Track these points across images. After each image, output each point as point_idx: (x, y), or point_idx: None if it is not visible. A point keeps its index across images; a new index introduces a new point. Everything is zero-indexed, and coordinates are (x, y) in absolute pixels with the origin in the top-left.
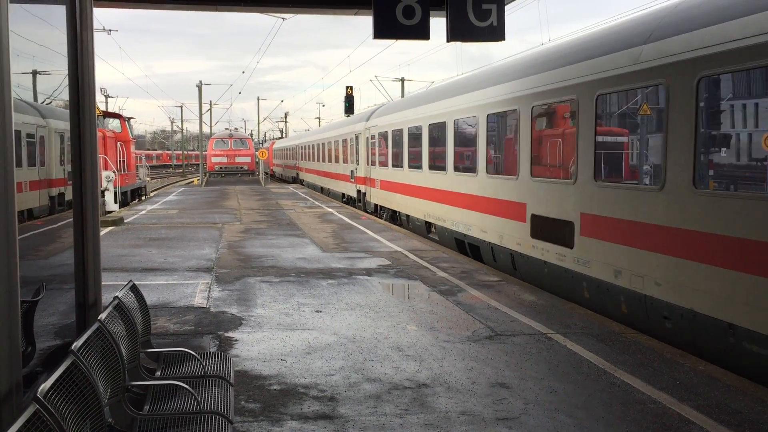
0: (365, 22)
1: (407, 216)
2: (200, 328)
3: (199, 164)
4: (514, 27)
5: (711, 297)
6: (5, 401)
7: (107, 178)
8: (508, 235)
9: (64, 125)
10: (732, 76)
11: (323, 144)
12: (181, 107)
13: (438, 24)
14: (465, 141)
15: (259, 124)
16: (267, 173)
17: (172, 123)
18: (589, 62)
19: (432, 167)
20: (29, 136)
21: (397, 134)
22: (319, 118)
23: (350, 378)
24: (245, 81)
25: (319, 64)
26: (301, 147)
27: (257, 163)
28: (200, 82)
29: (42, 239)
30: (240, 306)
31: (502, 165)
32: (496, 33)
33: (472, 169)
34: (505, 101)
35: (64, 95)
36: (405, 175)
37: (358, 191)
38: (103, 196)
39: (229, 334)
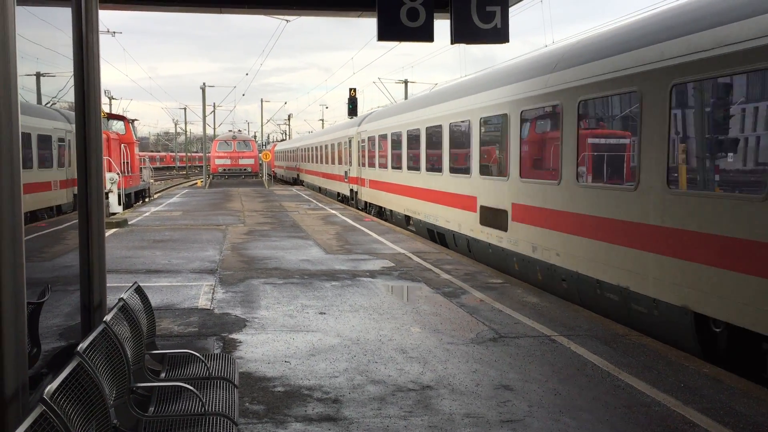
0: (369, 23)
1: (391, 211)
2: (204, 329)
3: (202, 166)
4: (518, 29)
5: (586, 261)
6: (11, 402)
7: (111, 180)
8: (465, 223)
9: None
10: (600, 100)
11: (321, 147)
12: (185, 109)
13: (442, 26)
14: (434, 145)
15: (262, 126)
16: (270, 175)
17: (175, 125)
18: (516, 84)
19: (410, 168)
20: (60, 140)
21: (383, 139)
22: (322, 120)
23: (354, 380)
24: (249, 83)
25: (323, 66)
26: (302, 149)
27: (261, 165)
28: (204, 84)
29: (47, 241)
30: (244, 308)
31: (460, 165)
32: (500, 35)
33: (439, 169)
34: (461, 113)
35: (68, 97)
36: (389, 175)
37: (351, 190)
38: (107, 197)
39: (234, 335)
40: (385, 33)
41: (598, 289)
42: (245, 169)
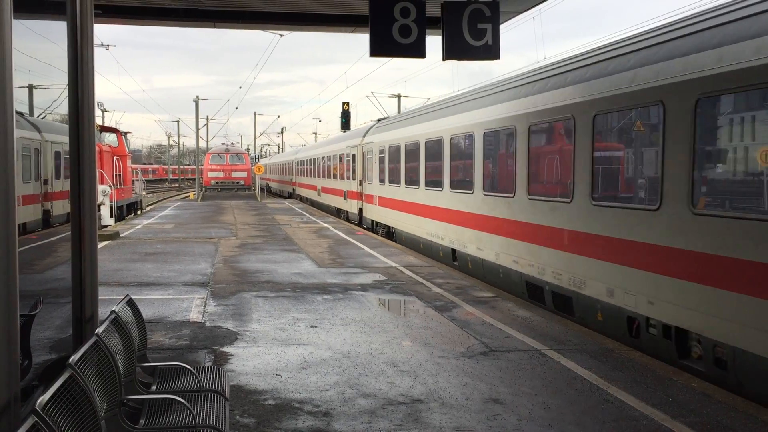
0: (363, 37)
1: (302, 196)
2: (196, 342)
3: (195, 179)
4: (514, 43)
5: (334, 202)
6: (3, 414)
7: (103, 193)
8: (313, 195)
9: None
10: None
11: (279, 164)
12: (178, 122)
13: (434, 42)
14: (317, 167)
15: (255, 139)
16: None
17: (168, 137)
18: (339, 144)
19: (310, 175)
20: None
21: (306, 161)
22: (315, 134)
23: (345, 393)
24: (242, 96)
25: (316, 80)
26: (269, 166)
27: (253, 177)
28: (197, 97)
29: (39, 253)
30: (235, 321)
31: (310, 174)
32: (491, 52)
33: (312, 175)
34: (322, 153)
35: (61, 110)
36: (305, 180)
37: (293, 189)
38: (99, 210)
39: (225, 348)
40: (378, 49)
41: (327, 209)
42: (238, 182)
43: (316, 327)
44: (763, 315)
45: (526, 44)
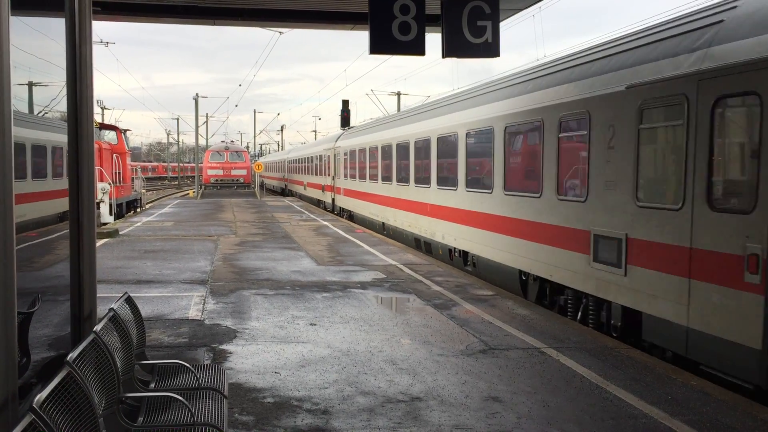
0: (362, 35)
1: (294, 191)
2: (195, 340)
3: (194, 176)
4: (515, 41)
5: (313, 192)
6: (1, 412)
7: (103, 190)
8: (300, 189)
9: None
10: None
11: (273, 163)
12: (178, 119)
13: (434, 39)
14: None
15: (255, 136)
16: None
17: (168, 135)
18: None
19: (298, 172)
20: None
21: (295, 160)
22: (315, 132)
23: (344, 391)
24: (242, 94)
25: (316, 77)
26: (264, 164)
27: (253, 175)
28: (197, 94)
29: (38, 250)
30: (234, 319)
31: (301, 173)
32: (491, 49)
33: (298, 172)
34: (297, 157)
35: (60, 107)
36: (294, 176)
37: (285, 186)
38: (99, 207)
39: (224, 346)
40: (378, 46)
41: (311, 200)
42: (237, 180)
43: (315, 325)
44: (485, 238)
45: (526, 42)
